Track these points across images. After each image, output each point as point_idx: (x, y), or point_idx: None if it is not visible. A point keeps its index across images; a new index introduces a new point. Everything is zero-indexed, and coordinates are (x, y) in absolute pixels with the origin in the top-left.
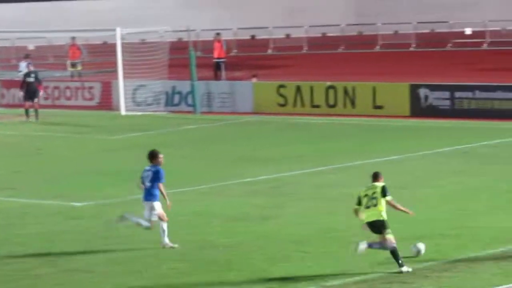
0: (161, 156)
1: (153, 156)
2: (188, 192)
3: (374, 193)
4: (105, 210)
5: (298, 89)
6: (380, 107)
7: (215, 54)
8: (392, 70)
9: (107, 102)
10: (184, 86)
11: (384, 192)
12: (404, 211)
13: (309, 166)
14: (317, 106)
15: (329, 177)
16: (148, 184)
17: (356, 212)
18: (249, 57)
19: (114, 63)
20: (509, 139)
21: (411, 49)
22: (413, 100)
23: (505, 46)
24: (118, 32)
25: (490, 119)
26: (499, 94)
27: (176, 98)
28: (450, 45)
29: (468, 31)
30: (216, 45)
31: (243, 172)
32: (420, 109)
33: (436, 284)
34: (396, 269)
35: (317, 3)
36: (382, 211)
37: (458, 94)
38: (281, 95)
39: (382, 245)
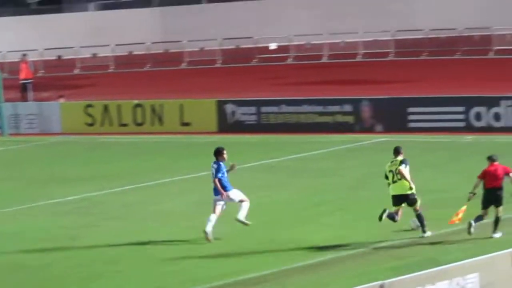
0: (225, 152)
1: (217, 152)
2: None
3: (397, 168)
4: None
5: (106, 108)
6: (188, 124)
7: (22, 75)
8: (199, 87)
9: None
10: None
11: (401, 163)
12: (409, 182)
13: (118, 185)
14: (125, 125)
15: (139, 195)
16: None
17: (389, 186)
18: (56, 78)
19: None
20: (315, 152)
21: (217, 65)
22: (220, 116)
23: (310, 60)
24: None
25: (297, 133)
26: (304, 108)
27: None
28: (256, 60)
29: (272, 46)
30: (23, 66)
31: (52, 193)
32: (227, 125)
33: None
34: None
35: (122, 22)
36: (407, 184)
37: (264, 109)
38: (89, 115)
39: (392, 215)
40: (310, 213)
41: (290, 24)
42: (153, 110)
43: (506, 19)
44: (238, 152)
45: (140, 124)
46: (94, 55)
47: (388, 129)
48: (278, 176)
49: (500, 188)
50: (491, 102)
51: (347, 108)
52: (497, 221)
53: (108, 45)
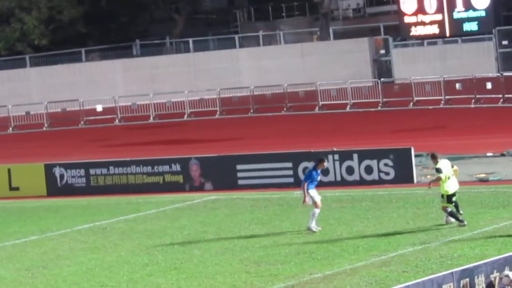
0: (325, 162)
1: (319, 161)
2: None
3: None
4: None
5: None
6: (16, 189)
7: None
8: (26, 152)
9: None
10: None
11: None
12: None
13: None
14: None
15: None
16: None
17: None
18: None
19: None
20: (144, 213)
21: (44, 129)
22: (49, 180)
23: (137, 121)
24: None
25: (126, 194)
26: (133, 169)
27: None
28: (83, 122)
29: (99, 108)
30: None
31: None
32: (57, 188)
33: None
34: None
35: None
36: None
37: (93, 171)
38: None
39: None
40: (143, 273)
41: (116, 86)
42: None
43: (328, 75)
44: (69, 215)
45: None
46: None
47: (217, 187)
48: (109, 238)
49: None
50: (319, 157)
51: (176, 167)
52: None
53: None
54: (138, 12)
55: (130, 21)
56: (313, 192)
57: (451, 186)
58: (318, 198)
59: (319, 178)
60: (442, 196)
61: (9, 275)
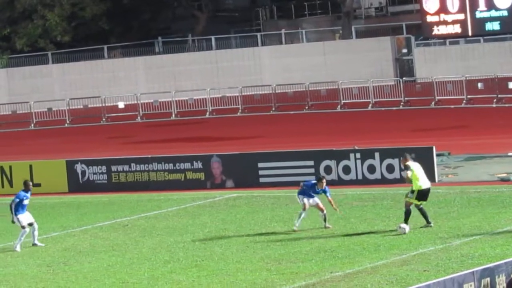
0: (324, 181)
1: (318, 180)
2: None
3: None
4: None
5: None
6: (38, 185)
7: None
8: (48, 148)
9: None
10: None
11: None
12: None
13: None
14: None
15: None
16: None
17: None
18: None
19: None
20: (165, 210)
21: (66, 125)
22: (70, 176)
23: (158, 118)
24: None
25: (147, 191)
26: (154, 166)
27: None
28: (104, 119)
29: (121, 105)
30: None
31: None
32: (78, 185)
33: None
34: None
35: None
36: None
37: (114, 168)
38: None
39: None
40: (164, 270)
41: (138, 83)
42: (2, 171)
43: (350, 74)
44: (90, 212)
45: None
46: None
47: (239, 185)
48: (129, 235)
49: None
50: (340, 155)
51: (198, 165)
52: None
53: None
54: (161, 9)
55: (152, 18)
56: (304, 198)
57: (424, 183)
58: (307, 201)
59: (314, 195)
60: (413, 192)
61: (30, 271)
